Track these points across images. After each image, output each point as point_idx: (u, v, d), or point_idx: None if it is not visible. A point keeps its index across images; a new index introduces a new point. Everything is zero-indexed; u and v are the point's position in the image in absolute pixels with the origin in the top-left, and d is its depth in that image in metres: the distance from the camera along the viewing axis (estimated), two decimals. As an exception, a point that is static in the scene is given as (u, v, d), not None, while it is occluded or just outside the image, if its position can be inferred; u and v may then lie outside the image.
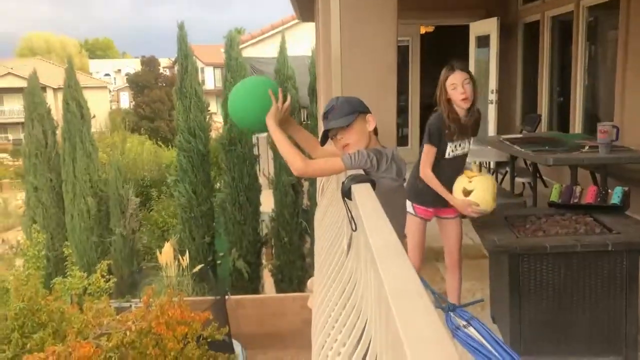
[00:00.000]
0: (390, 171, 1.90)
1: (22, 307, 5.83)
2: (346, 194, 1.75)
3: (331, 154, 2.25)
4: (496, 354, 1.80)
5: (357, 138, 2.07)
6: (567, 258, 2.90)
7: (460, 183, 3.02)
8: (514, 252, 2.92)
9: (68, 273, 8.60)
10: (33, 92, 13.41)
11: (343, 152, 2.09)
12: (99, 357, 5.16)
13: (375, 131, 2.13)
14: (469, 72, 3.07)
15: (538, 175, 5.78)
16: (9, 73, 35.82)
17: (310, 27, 12.51)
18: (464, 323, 1.79)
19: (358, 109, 2.10)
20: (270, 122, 2.12)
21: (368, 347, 1.30)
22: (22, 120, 14.67)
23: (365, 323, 1.37)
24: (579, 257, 2.89)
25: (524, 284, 2.93)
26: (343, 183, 1.78)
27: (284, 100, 2.17)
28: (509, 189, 5.65)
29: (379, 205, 1.46)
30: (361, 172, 1.86)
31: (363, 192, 1.64)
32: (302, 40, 14.95)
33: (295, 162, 2.02)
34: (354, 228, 1.72)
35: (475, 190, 2.93)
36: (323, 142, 2.19)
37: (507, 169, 5.96)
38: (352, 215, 1.73)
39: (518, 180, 5.87)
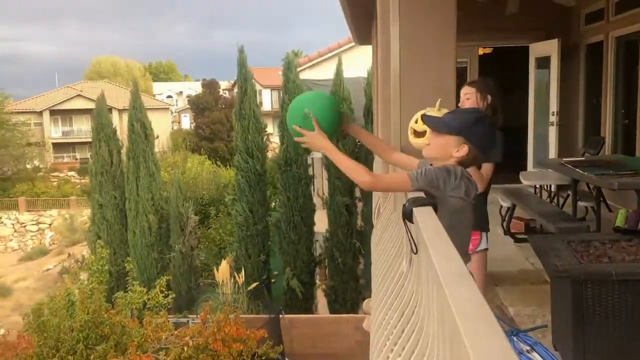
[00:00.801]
0: (459, 190, 1.83)
1: (87, 319, 6.05)
2: (407, 216, 1.75)
3: (405, 163, 2.21)
4: (560, 382, 1.75)
5: (437, 149, 1.94)
6: (634, 286, 2.79)
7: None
8: (577, 278, 2.83)
9: (129, 288, 8.89)
10: (100, 114, 14.06)
11: (425, 150, 2.01)
12: (158, 371, 5.31)
13: (463, 163, 1.92)
14: (476, 87, 3.31)
15: (602, 199, 5.59)
16: (78, 95, 37.71)
17: (365, 49, 12.62)
18: (528, 348, 1.76)
19: (463, 133, 1.91)
20: (324, 147, 2.10)
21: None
22: (90, 140, 15.40)
23: (427, 346, 1.38)
24: (647, 286, 2.78)
25: (587, 312, 2.83)
26: (404, 205, 1.79)
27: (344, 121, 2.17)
28: (572, 213, 5.48)
29: (442, 227, 1.47)
30: (422, 194, 1.85)
31: (425, 215, 1.65)
32: (357, 62, 15.09)
33: (362, 177, 1.93)
34: (415, 250, 1.73)
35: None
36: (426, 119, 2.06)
37: (569, 192, 5.79)
38: (412, 237, 1.74)
39: (581, 204, 5.69)
